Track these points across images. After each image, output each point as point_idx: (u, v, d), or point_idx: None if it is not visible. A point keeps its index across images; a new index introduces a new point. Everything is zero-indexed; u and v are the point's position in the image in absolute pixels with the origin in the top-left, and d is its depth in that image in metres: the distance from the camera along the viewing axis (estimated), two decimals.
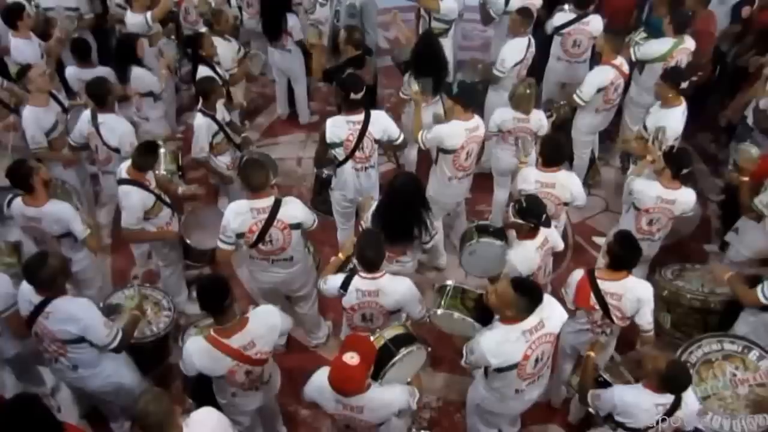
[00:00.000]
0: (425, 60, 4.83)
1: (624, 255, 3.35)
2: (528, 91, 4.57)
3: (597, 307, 3.40)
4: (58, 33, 5.56)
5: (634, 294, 3.34)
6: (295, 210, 3.69)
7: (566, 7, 5.56)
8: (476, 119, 4.40)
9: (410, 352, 3.05)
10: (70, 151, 4.77)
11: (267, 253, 3.77)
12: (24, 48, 5.23)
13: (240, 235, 3.67)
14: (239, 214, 3.64)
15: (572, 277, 3.49)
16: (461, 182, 4.56)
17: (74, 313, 3.25)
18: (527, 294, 2.99)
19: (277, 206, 3.63)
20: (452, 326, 3.52)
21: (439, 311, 3.43)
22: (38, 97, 4.54)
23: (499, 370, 3.05)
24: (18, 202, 3.87)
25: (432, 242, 3.90)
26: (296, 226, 3.71)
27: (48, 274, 3.20)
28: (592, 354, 3.35)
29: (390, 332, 3.11)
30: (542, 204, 3.65)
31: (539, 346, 3.04)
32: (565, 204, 4.17)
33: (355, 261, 3.50)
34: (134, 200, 3.96)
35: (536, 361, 3.08)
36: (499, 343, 3.01)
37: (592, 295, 3.38)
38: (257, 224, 3.62)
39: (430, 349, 3.21)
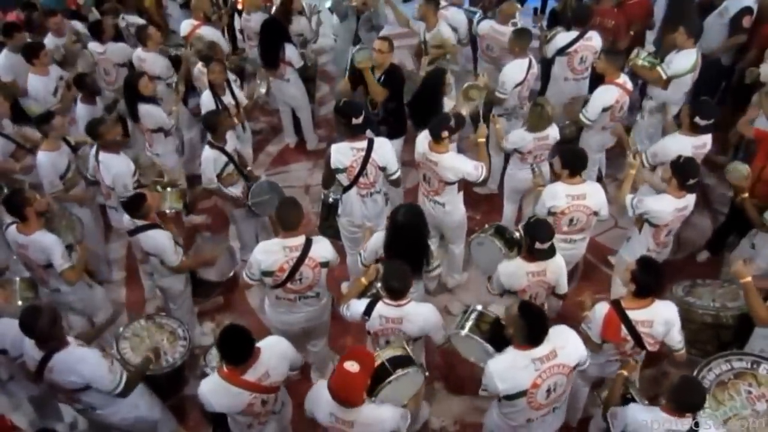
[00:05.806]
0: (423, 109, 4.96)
1: (650, 281, 3.25)
2: (541, 110, 4.62)
3: (629, 338, 3.31)
4: (80, 69, 5.75)
5: (662, 317, 3.28)
6: (324, 249, 3.74)
7: (559, 28, 5.67)
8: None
9: (406, 374, 3.06)
10: (84, 188, 4.90)
11: (295, 292, 3.77)
12: (36, 84, 5.44)
13: (267, 273, 3.66)
14: (271, 252, 3.63)
15: (595, 312, 3.37)
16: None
17: (77, 365, 3.25)
18: (528, 320, 2.95)
19: (308, 244, 3.67)
20: (469, 349, 3.52)
21: (463, 332, 3.43)
22: (53, 141, 4.64)
23: (509, 397, 3.01)
24: (12, 228, 4.01)
25: (437, 270, 3.87)
26: (325, 264, 3.75)
27: (44, 326, 3.18)
28: (624, 372, 3.28)
29: (389, 352, 3.14)
30: (548, 232, 3.57)
31: (551, 377, 2.98)
32: (595, 213, 4.16)
33: (378, 285, 3.52)
34: (162, 239, 4.05)
35: (548, 391, 3.02)
36: (506, 368, 2.98)
37: (622, 327, 3.29)
38: (288, 262, 3.63)
39: (427, 374, 3.23)
